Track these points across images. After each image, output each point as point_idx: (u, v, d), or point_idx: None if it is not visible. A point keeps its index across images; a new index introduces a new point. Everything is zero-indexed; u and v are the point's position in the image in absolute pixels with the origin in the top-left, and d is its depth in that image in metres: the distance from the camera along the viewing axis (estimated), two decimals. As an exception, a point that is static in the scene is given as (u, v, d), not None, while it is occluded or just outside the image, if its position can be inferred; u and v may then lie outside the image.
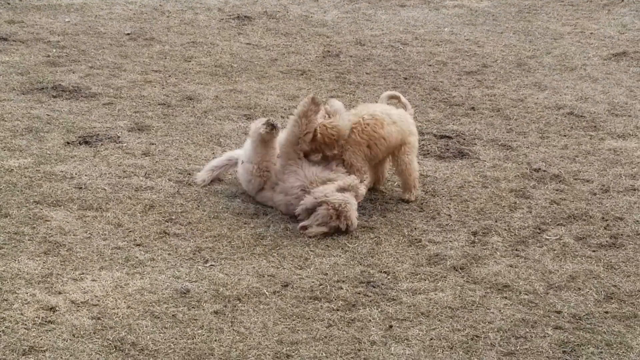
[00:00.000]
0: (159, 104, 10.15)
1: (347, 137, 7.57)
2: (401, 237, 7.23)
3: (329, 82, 11.29)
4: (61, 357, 5.49)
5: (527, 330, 5.96)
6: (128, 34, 13.24)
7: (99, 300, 6.07)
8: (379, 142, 7.65)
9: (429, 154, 8.97)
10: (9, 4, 14.73)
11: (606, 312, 6.20)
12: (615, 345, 5.83)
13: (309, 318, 6.00)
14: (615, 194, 8.15)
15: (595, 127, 9.90)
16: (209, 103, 10.26)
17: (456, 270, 6.71)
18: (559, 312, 6.18)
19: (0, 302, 5.96)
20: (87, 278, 6.35)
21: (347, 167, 7.64)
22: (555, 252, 7.05)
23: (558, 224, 7.53)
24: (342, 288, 6.39)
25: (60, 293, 6.13)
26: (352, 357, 5.62)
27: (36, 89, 10.41)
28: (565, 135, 9.63)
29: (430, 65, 12.25)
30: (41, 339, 5.61)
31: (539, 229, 7.44)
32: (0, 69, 11.11)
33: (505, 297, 6.35)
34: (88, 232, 7.05)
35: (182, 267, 6.59)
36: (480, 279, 6.58)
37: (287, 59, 12.31)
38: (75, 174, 8.10)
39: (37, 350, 5.52)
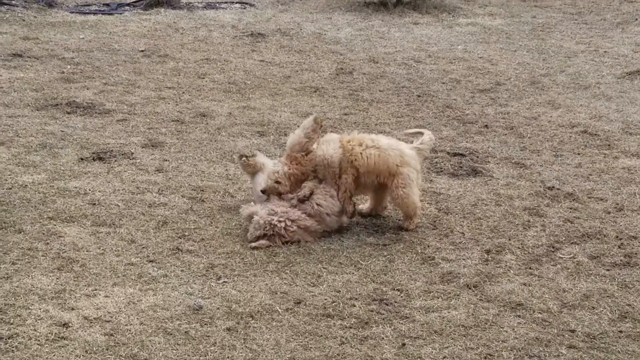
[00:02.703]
0: (172, 121, 10.17)
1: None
2: (414, 255, 7.21)
3: (342, 100, 11.30)
4: (74, 373, 5.49)
5: (541, 349, 5.93)
6: (142, 50, 13.29)
7: (111, 317, 6.07)
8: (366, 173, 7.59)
9: (442, 171, 8.96)
10: (24, 20, 14.81)
11: (620, 332, 6.16)
12: (629, 365, 5.80)
13: (321, 335, 5.99)
14: (630, 212, 8.12)
15: (609, 145, 9.87)
16: (223, 120, 10.28)
17: (469, 289, 6.68)
18: (573, 331, 6.15)
19: (14, 318, 5.96)
20: (100, 294, 6.35)
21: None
22: (569, 270, 7.02)
23: (572, 243, 7.50)
24: (354, 305, 6.37)
25: (73, 309, 6.13)
26: (364, 375, 5.61)
27: (50, 105, 10.45)
28: (579, 154, 9.60)
29: (443, 83, 12.25)
30: (54, 355, 5.61)
31: (553, 247, 7.41)
32: (15, 85, 11.16)
33: (519, 316, 6.32)
34: (101, 248, 7.05)
35: (195, 283, 6.58)
36: (493, 297, 6.56)
37: (301, 76, 12.34)
38: (89, 190, 8.12)
39: (49, 366, 5.53)
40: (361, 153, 7.50)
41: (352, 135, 7.66)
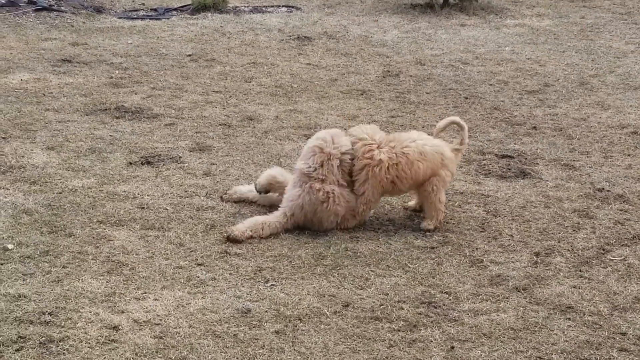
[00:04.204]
0: (219, 125, 10.21)
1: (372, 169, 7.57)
2: (462, 258, 7.18)
3: (389, 102, 11.28)
4: (124, 376, 5.53)
5: (592, 352, 5.88)
6: (189, 55, 13.36)
7: (161, 320, 6.10)
8: (404, 180, 7.60)
9: (490, 173, 8.91)
10: (72, 26, 14.96)
11: (673, 335, 6.09)
12: (682, 369, 5.73)
13: (369, 338, 5.98)
14: (681, 214, 8.02)
15: (659, 146, 9.77)
16: (270, 123, 10.31)
17: (518, 291, 6.64)
18: (624, 334, 6.09)
19: (65, 321, 6.02)
20: (149, 297, 6.39)
21: (359, 195, 7.61)
22: (620, 273, 6.95)
23: (622, 245, 7.43)
24: (403, 308, 6.35)
25: (123, 312, 6.18)
26: (413, 378, 5.59)
27: (99, 110, 10.54)
28: (629, 155, 9.50)
29: (491, 85, 12.18)
30: (104, 358, 5.65)
31: (603, 249, 7.34)
32: (64, 91, 11.28)
33: (569, 319, 6.27)
34: (150, 251, 7.10)
35: (243, 286, 6.60)
36: (543, 300, 6.51)
37: (347, 79, 12.33)
38: (138, 194, 8.18)
39: (100, 369, 5.58)
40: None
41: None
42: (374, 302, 6.44)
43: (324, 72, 12.66)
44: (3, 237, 7.19)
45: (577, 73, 12.80)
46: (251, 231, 7.35)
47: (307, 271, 6.88)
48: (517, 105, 11.28)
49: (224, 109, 10.83)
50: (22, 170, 8.58)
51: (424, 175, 7.58)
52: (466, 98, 11.54)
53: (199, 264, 6.92)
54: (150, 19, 16.05)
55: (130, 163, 8.92)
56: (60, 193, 8.11)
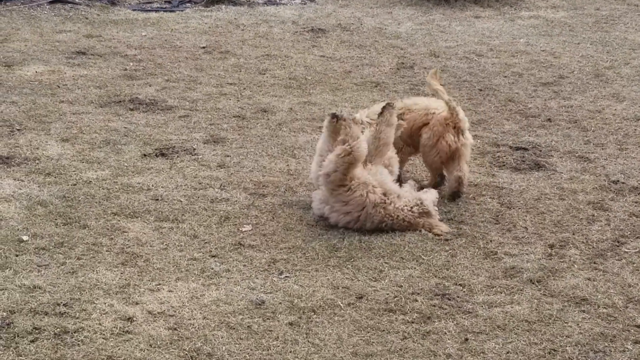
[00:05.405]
0: (233, 117, 10.22)
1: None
2: (476, 250, 7.17)
3: (403, 94, 11.25)
4: (138, 367, 5.55)
5: (606, 344, 5.86)
6: (203, 47, 13.37)
7: (175, 311, 6.12)
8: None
9: (504, 165, 8.89)
10: (87, 18, 14.99)
11: (688, 327, 6.07)
12: (697, 361, 5.71)
13: (383, 330, 5.98)
14: (697, 206, 7.99)
15: (675, 138, 9.73)
16: (284, 115, 10.31)
17: (533, 283, 6.63)
18: (638, 327, 6.07)
19: (79, 312, 6.04)
20: (163, 289, 6.41)
21: None
22: (635, 265, 6.93)
23: (637, 237, 7.40)
24: (417, 300, 6.35)
25: (137, 303, 6.20)
26: (427, 370, 5.59)
27: (114, 102, 10.56)
28: (644, 147, 9.48)
29: (505, 77, 12.15)
30: (119, 349, 5.67)
31: (618, 242, 7.32)
32: (79, 83, 11.30)
33: (584, 311, 6.26)
34: (164, 243, 7.12)
35: (257, 278, 6.61)
36: (557, 292, 6.50)
37: (361, 71, 12.32)
38: (152, 185, 8.19)
39: (114, 360, 5.60)
40: None
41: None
42: (387, 294, 6.44)
43: (337, 64, 12.65)
44: (18, 229, 7.22)
45: (592, 65, 12.76)
46: None
47: (321, 263, 6.89)
48: (531, 97, 11.25)
49: (238, 100, 10.83)
50: (37, 162, 8.61)
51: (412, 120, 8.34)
52: (480, 90, 11.52)
53: (213, 256, 6.94)
54: (164, 11, 16.06)
55: (145, 155, 8.94)
56: (75, 185, 8.14)
